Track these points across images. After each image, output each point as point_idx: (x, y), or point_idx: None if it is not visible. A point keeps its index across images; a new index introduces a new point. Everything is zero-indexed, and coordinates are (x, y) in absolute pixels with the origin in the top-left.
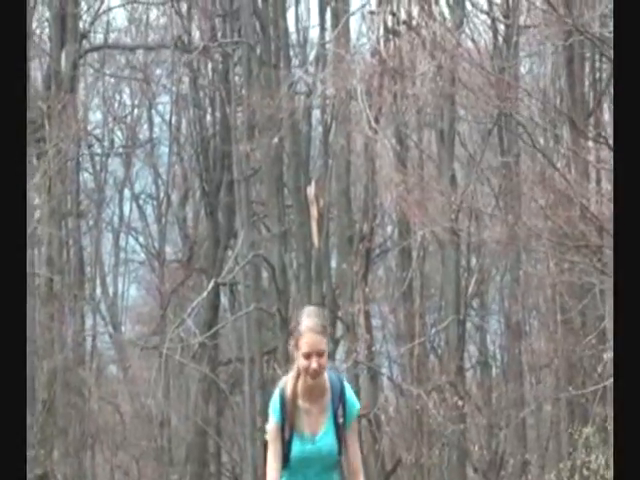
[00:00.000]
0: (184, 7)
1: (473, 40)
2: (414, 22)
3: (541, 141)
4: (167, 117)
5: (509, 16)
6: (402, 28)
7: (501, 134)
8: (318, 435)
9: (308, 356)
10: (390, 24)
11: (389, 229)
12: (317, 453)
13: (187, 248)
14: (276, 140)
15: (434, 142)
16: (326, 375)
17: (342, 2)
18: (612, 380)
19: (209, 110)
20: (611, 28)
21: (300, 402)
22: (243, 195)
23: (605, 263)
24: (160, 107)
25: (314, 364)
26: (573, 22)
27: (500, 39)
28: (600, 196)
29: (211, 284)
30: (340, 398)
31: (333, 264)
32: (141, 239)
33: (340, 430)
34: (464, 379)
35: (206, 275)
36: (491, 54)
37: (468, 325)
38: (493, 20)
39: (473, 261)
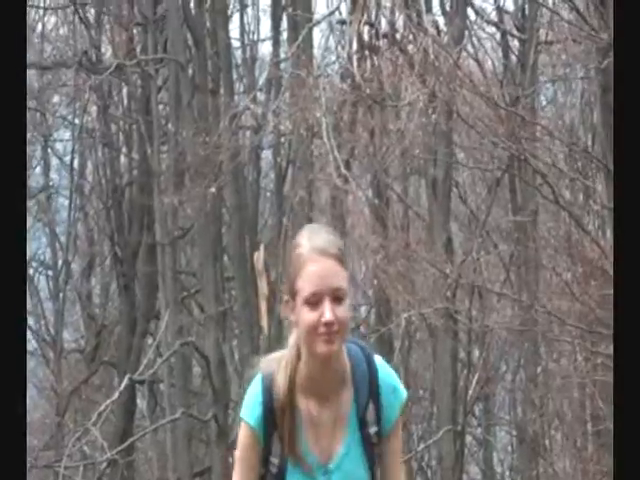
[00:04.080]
0: (92, 13)
1: (477, 60)
2: (398, 35)
3: (567, 195)
4: (67, 159)
5: (525, 29)
6: (382, 43)
7: (513, 185)
8: (333, 462)
9: (316, 300)
10: (367, 38)
11: (363, 310)
12: None
13: (92, 334)
14: (213, 190)
15: (424, 195)
16: (344, 351)
17: (303, 8)
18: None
19: (124, 150)
20: None
21: (301, 401)
22: (168, 264)
23: None
24: (58, 145)
25: (328, 313)
26: (610, 37)
27: (513, 59)
28: None
29: (124, 382)
30: (370, 390)
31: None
32: (31, 321)
33: (371, 448)
34: None
35: (118, 370)
36: (501, 79)
37: (468, 439)
38: (504, 34)
39: (475, 354)
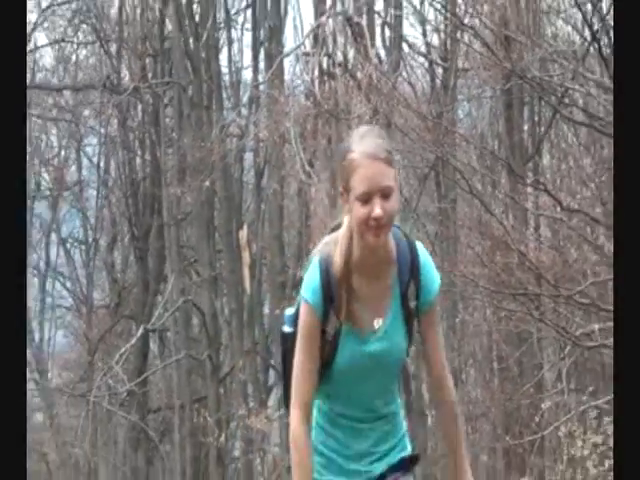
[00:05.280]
0: (113, 47)
1: (410, 83)
2: (350, 64)
3: (479, 187)
4: (95, 159)
5: (447, 59)
6: (337, 70)
7: (438, 179)
8: (380, 329)
9: (367, 198)
10: (325, 66)
11: None
12: (377, 358)
13: (115, 294)
14: (207, 184)
15: None
16: (390, 236)
17: (276, 43)
18: (552, 428)
19: (139, 152)
20: (551, 72)
21: (354, 279)
22: (173, 240)
23: (543, 312)
24: (88, 149)
25: (377, 210)
26: (512, 66)
27: (438, 82)
28: (538, 243)
29: (140, 330)
30: (411, 270)
31: (266, 310)
32: (68, 284)
33: (411, 319)
34: None
35: (135, 321)
36: (428, 98)
37: None
38: (431, 63)
39: None
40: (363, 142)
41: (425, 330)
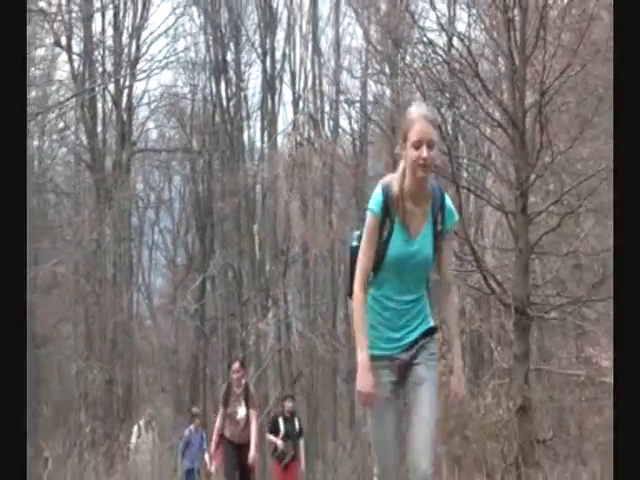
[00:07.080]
0: (188, 129)
1: (342, 148)
2: (311, 139)
3: None
4: (179, 187)
5: (361, 138)
6: (305, 142)
7: (359, 206)
8: (418, 237)
9: (419, 145)
10: (299, 139)
11: (297, 249)
12: (415, 255)
13: (187, 258)
14: (237, 201)
15: (321, 204)
16: (430, 182)
17: (273, 127)
18: None
19: (201, 184)
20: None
21: (405, 201)
22: (218, 230)
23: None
24: (175, 182)
25: (425, 153)
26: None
27: (357, 148)
28: None
29: (201, 277)
30: (440, 206)
31: (267, 267)
32: (164, 253)
33: (437, 238)
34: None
35: (197, 272)
36: (352, 156)
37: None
38: (353, 139)
39: (342, 268)
40: (419, 108)
41: (441, 250)
